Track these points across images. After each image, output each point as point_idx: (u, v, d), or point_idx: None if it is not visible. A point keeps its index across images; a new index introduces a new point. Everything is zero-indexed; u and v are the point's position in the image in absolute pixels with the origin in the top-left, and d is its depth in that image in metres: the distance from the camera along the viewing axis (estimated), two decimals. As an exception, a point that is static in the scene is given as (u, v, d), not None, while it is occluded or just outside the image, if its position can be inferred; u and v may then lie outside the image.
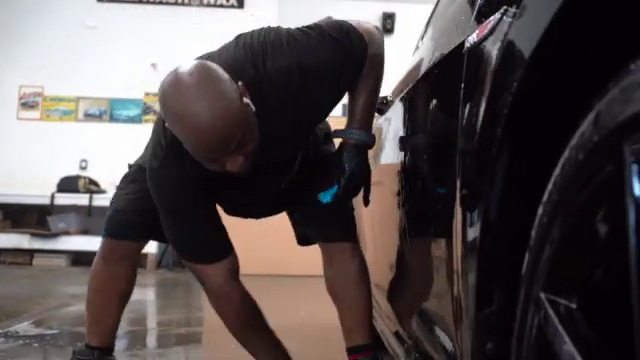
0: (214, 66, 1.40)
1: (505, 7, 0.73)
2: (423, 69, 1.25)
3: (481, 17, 0.84)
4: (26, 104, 6.83)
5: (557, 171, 0.54)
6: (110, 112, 6.69)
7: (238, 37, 1.61)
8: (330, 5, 6.84)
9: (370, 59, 1.61)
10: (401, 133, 1.52)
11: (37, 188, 6.24)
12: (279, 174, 1.77)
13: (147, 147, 1.89)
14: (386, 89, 2.17)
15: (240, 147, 1.40)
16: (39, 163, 6.50)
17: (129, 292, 2.03)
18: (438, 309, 1.04)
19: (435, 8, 2.00)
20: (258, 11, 6.29)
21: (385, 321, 1.88)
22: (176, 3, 6.89)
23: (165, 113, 1.39)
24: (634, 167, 0.41)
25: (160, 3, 6.87)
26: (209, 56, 1.58)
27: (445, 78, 1.03)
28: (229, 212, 1.92)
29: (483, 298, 0.74)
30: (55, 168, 6.40)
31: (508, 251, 0.72)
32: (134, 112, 6.76)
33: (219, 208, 1.84)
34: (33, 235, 6.17)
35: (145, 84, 6.35)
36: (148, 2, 6.88)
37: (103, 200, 6.27)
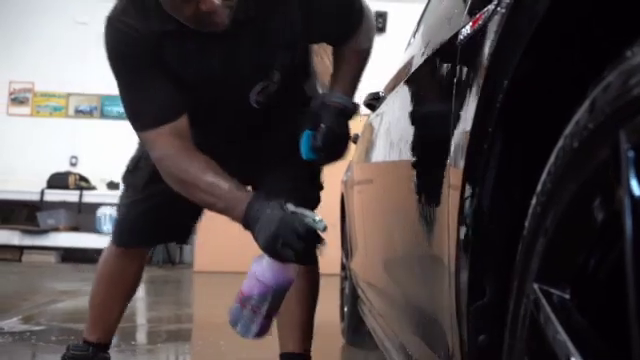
0: None
1: (499, -2, 0.73)
2: (416, 64, 1.25)
3: (474, 9, 0.84)
4: (16, 100, 6.78)
5: (551, 160, 0.54)
6: (101, 108, 6.66)
7: None
8: (322, 3, 6.85)
9: (364, 29, 1.70)
10: (393, 128, 1.51)
11: (27, 184, 6.21)
12: (246, 98, 1.65)
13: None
14: (378, 87, 2.17)
15: None
16: (29, 159, 6.46)
17: (134, 289, 2.02)
18: (430, 303, 1.04)
19: (427, 5, 2.00)
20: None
21: (377, 319, 1.87)
22: None
23: None
24: (630, 154, 0.41)
25: (152, -1, 6.83)
26: None
27: (438, 71, 1.03)
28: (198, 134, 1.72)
29: (475, 290, 0.73)
30: (45, 164, 6.37)
31: (501, 243, 0.71)
32: (125, 109, 6.73)
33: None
34: (22, 231, 6.14)
35: (136, 81, 6.31)
36: (140, -2, 6.84)
37: (93, 197, 6.25)
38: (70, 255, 6.25)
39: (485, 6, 0.78)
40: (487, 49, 0.72)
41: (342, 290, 3.22)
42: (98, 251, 7.13)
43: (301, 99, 1.80)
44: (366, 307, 2.16)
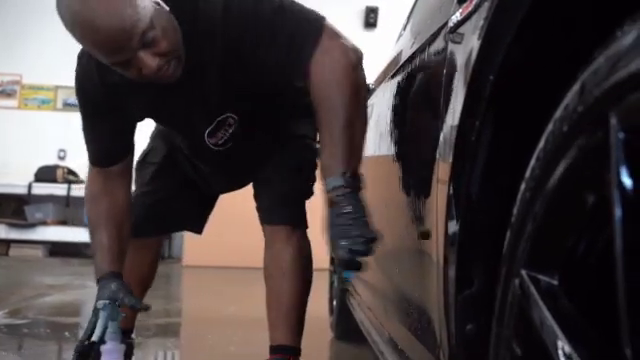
0: None
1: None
2: (406, 55, 1.24)
3: (465, -2, 0.83)
4: (3, 92, 6.72)
5: (540, 145, 0.53)
6: (89, 102, 6.61)
7: None
8: (313, -2, 6.84)
9: (325, 44, 1.40)
10: (382, 120, 1.51)
11: (14, 177, 6.16)
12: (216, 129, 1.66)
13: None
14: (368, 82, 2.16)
15: (147, 44, 1.35)
16: (16, 152, 6.41)
17: (150, 278, 2.01)
18: (418, 294, 1.03)
19: (417, 0, 1.99)
20: None
21: (366, 312, 1.87)
22: (158, -8, 6.82)
23: (63, 23, 1.36)
24: (620, 135, 0.40)
25: (142, -8, 6.79)
26: None
27: (428, 61, 1.02)
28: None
29: (463, 280, 0.73)
30: (33, 157, 6.31)
31: (489, 232, 0.71)
32: (114, 102, 6.69)
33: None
34: (10, 225, 6.09)
35: (125, 74, 6.28)
36: (129, -9, 6.80)
37: (81, 190, 6.17)
38: (58, 249, 6.21)
39: (475, -7, 0.77)
40: (476, 36, 0.72)
41: (331, 284, 3.21)
42: (86, 245, 7.08)
43: (288, 134, 1.80)
44: (355, 300, 2.15)
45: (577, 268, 0.50)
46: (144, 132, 1.90)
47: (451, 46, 0.84)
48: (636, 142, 0.41)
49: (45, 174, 6.25)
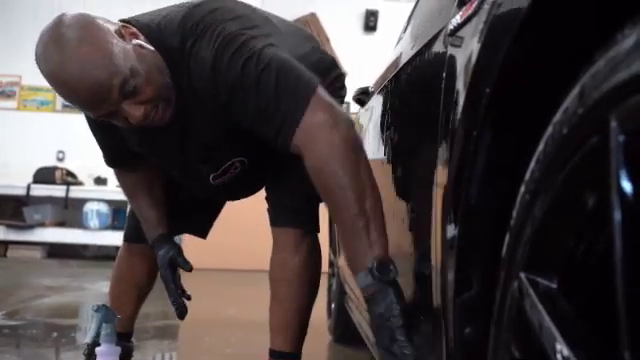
0: (74, 16, 1.33)
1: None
2: (405, 57, 1.24)
3: (464, 0, 0.83)
4: (3, 93, 6.71)
5: (540, 148, 0.53)
6: (89, 103, 6.61)
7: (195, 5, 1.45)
8: (314, 2, 6.84)
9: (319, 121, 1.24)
10: (382, 123, 1.51)
11: (13, 179, 6.15)
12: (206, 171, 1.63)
13: None
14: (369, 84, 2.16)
15: (131, 95, 1.31)
16: (15, 153, 6.40)
17: (148, 286, 2.00)
18: (416, 297, 1.03)
19: (417, 4, 2.00)
20: None
21: (364, 315, 1.86)
22: (158, -5, 6.83)
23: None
24: (620, 138, 0.40)
25: (142, -6, 6.80)
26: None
27: (427, 63, 1.02)
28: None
29: (462, 283, 0.73)
30: (31, 159, 6.30)
31: (489, 234, 0.71)
32: (113, 104, 6.68)
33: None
34: (8, 226, 6.07)
35: (125, 76, 6.28)
36: (129, -7, 6.81)
37: (80, 192, 6.20)
38: (56, 250, 6.19)
39: (476, -4, 0.77)
40: (476, 39, 0.72)
41: (329, 287, 3.21)
42: (84, 247, 7.04)
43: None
44: (353, 304, 2.15)
45: (576, 271, 0.50)
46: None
47: (451, 49, 0.84)
48: (636, 145, 0.41)
49: (44, 175, 6.24)
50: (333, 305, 2.96)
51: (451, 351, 0.77)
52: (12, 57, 6.58)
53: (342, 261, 2.53)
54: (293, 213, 1.69)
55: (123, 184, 1.82)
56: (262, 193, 1.84)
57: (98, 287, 4.20)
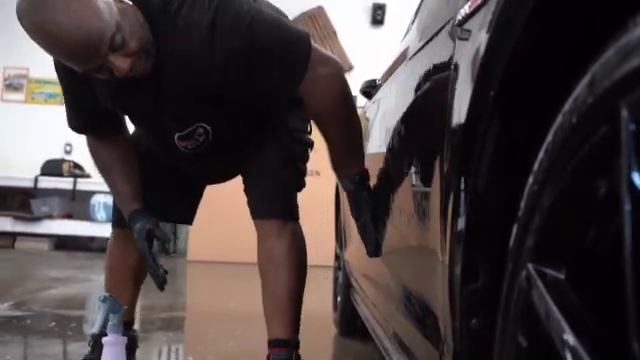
0: None
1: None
2: (413, 48, 1.23)
3: (473, -9, 0.82)
4: (10, 86, 6.73)
5: (549, 138, 0.53)
6: (96, 96, 6.62)
7: None
8: (320, -6, 6.81)
9: (323, 78, 1.52)
10: (389, 115, 1.50)
11: (21, 171, 6.17)
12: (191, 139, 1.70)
13: None
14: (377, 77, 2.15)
15: (118, 48, 1.37)
16: (23, 146, 6.42)
17: (142, 270, 1.99)
18: (423, 289, 1.03)
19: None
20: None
21: (370, 307, 1.86)
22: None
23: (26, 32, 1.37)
24: (631, 127, 0.40)
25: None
26: None
27: (436, 54, 1.02)
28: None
29: (469, 274, 0.73)
30: (39, 151, 6.33)
31: (496, 225, 0.71)
32: (120, 97, 6.69)
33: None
34: (16, 218, 6.10)
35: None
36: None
37: (87, 184, 6.22)
38: (63, 243, 6.22)
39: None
40: (485, 29, 0.71)
41: (335, 280, 3.21)
42: (91, 239, 7.06)
43: (277, 126, 1.81)
44: (359, 297, 2.15)
45: (584, 262, 0.50)
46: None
47: (459, 40, 0.84)
48: (646, 134, 0.40)
49: (51, 168, 6.26)
50: (339, 298, 2.96)
51: (458, 342, 0.76)
52: (20, 50, 6.57)
53: (348, 255, 2.53)
54: (273, 204, 1.78)
55: (97, 157, 1.81)
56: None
57: (104, 279, 4.22)
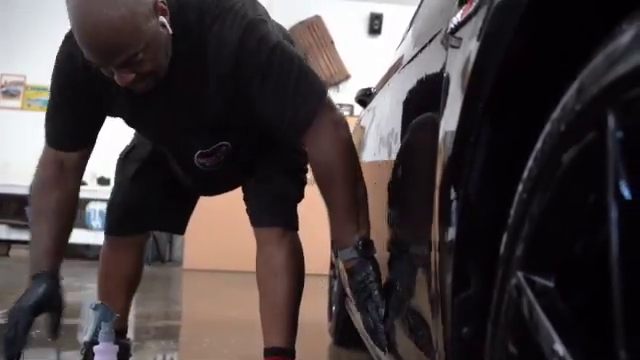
0: None
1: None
2: (407, 57, 1.24)
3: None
4: (7, 93, 6.73)
5: (538, 146, 0.53)
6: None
7: None
8: (318, 4, 6.84)
9: (322, 124, 1.45)
10: (383, 123, 1.50)
11: (16, 178, 6.15)
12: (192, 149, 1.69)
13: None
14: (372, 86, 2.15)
15: (132, 64, 1.37)
16: (19, 153, 6.41)
17: (136, 278, 2.00)
18: (415, 298, 1.03)
19: (420, 4, 2.00)
20: None
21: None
22: None
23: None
24: (618, 135, 0.40)
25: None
26: None
27: (429, 62, 1.02)
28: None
29: (460, 282, 0.73)
30: (35, 158, 6.29)
31: (487, 233, 0.70)
32: (117, 104, 6.69)
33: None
34: (11, 225, 6.09)
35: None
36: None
37: (83, 192, 6.18)
38: (58, 250, 6.20)
39: (477, -5, 0.77)
40: (475, 37, 0.71)
41: (330, 289, 3.20)
42: (87, 247, 7.05)
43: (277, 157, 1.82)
44: (353, 305, 2.14)
45: (573, 270, 0.50)
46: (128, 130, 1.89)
47: (451, 48, 0.84)
48: (634, 141, 0.40)
49: (47, 175, 6.24)
50: (334, 308, 2.95)
51: (449, 351, 0.76)
52: (17, 57, 6.60)
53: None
54: (273, 213, 1.77)
55: (44, 195, 1.68)
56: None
57: (97, 287, 4.21)
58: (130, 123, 1.72)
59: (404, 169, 1.12)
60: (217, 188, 1.95)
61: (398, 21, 5.50)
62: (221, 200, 2.11)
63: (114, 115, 1.66)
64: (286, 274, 1.75)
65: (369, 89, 2.03)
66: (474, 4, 0.75)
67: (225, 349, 2.61)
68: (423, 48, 1.06)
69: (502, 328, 0.58)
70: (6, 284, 4.36)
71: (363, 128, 1.96)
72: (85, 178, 6.74)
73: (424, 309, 0.92)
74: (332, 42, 6.81)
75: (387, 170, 1.35)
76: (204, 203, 2.09)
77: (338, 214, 1.45)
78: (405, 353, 1.13)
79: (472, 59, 0.70)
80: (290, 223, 1.80)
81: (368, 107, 1.94)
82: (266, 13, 1.56)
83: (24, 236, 6.06)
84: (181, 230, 2.08)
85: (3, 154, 6.42)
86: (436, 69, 0.90)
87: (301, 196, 1.85)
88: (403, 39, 1.99)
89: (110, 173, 5.70)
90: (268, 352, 1.75)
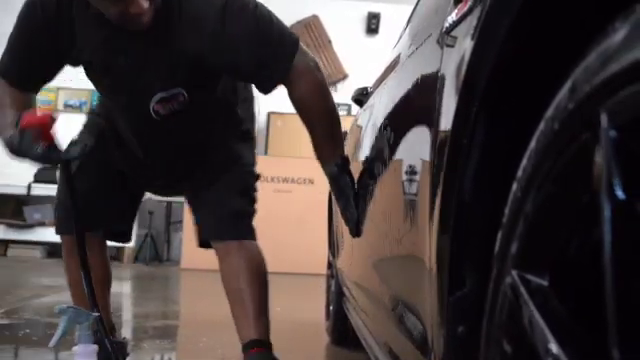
0: None
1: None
2: (403, 56, 1.24)
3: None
4: (4, 93, 6.72)
5: (532, 145, 0.53)
6: (90, 103, 6.61)
7: None
8: (316, 4, 6.83)
9: (298, 74, 1.67)
10: (379, 123, 1.50)
11: (14, 178, 6.15)
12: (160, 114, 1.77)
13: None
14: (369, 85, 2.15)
15: None
16: (16, 153, 6.40)
17: (106, 277, 2.00)
18: (411, 298, 1.03)
19: (417, 3, 1.99)
20: None
21: (361, 316, 1.86)
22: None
23: None
24: (611, 134, 0.40)
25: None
26: None
27: (424, 61, 1.02)
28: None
29: (455, 281, 0.72)
30: (33, 158, 6.30)
31: (482, 232, 0.70)
32: (115, 104, 6.68)
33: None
34: (8, 225, 6.08)
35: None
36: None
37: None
38: (56, 250, 6.17)
39: (472, -6, 0.77)
40: (470, 36, 0.71)
41: (328, 288, 3.20)
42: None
43: (230, 121, 1.94)
44: (351, 305, 2.14)
45: (567, 269, 0.50)
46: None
47: (446, 47, 0.84)
48: (627, 140, 0.40)
49: (44, 175, 6.24)
50: (331, 307, 2.95)
51: (445, 350, 0.76)
52: (14, 57, 6.58)
53: (341, 263, 2.52)
54: (231, 227, 1.89)
55: None
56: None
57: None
58: (95, 69, 1.76)
59: (399, 168, 1.12)
60: (163, 176, 1.99)
61: (396, 20, 5.51)
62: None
63: (81, 59, 1.72)
64: (248, 273, 1.84)
65: (365, 88, 2.03)
66: (469, 3, 0.75)
67: (222, 349, 2.61)
68: (419, 47, 1.06)
69: (496, 326, 0.58)
70: (4, 284, 4.36)
71: (360, 127, 1.96)
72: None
73: (420, 308, 0.92)
74: (330, 41, 6.81)
75: (383, 169, 1.35)
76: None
77: (320, 140, 1.73)
78: (402, 353, 1.13)
79: (467, 58, 0.70)
80: (249, 235, 1.91)
81: (364, 106, 1.94)
82: None
83: (21, 236, 6.06)
84: (126, 236, 2.12)
85: (0, 154, 6.40)
86: (431, 68, 0.90)
87: (254, 213, 1.96)
88: (400, 38, 1.99)
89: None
90: (248, 345, 1.81)
